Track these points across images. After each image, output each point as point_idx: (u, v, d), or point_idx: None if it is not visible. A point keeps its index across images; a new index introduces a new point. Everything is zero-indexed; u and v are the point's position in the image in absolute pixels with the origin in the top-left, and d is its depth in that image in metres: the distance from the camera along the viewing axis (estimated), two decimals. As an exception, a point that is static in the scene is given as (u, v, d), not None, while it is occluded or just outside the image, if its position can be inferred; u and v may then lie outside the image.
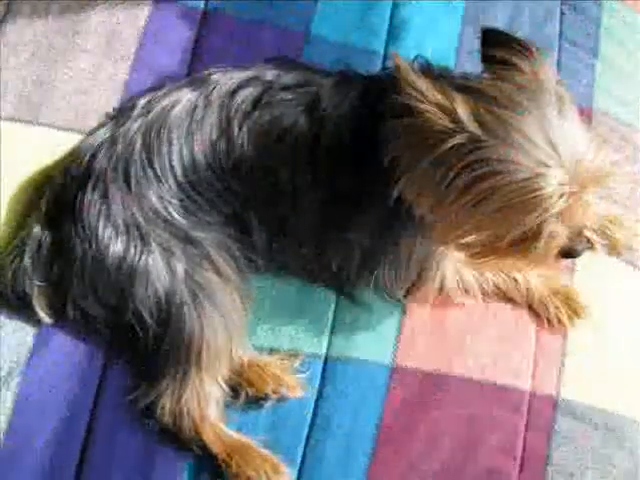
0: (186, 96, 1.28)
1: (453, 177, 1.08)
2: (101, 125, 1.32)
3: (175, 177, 1.26)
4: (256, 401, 1.30)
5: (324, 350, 1.35)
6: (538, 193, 1.04)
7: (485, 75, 1.16)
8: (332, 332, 1.37)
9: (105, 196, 1.24)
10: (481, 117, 1.06)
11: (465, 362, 1.37)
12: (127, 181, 1.25)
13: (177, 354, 1.24)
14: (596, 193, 1.14)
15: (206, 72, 1.31)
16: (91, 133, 1.32)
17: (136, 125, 1.27)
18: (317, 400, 1.32)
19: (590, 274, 1.46)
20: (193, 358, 1.24)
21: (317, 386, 1.33)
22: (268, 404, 1.30)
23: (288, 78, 1.28)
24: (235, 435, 1.26)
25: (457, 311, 1.40)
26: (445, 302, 1.39)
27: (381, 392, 1.33)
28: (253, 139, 1.25)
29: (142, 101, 1.29)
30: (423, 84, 1.06)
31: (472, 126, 1.06)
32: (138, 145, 1.26)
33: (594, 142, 1.08)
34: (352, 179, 1.24)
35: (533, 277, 1.39)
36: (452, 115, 1.06)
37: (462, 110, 1.06)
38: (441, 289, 1.36)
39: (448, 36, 1.63)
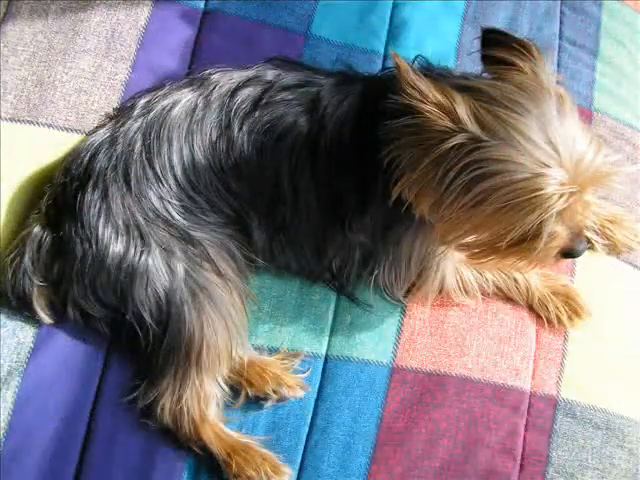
0: (186, 96, 1.28)
1: (453, 177, 1.08)
2: (101, 125, 1.32)
3: (175, 177, 1.26)
4: (256, 401, 1.30)
5: (324, 350, 1.35)
6: (538, 193, 1.04)
7: (485, 75, 1.16)
8: (332, 332, 1.37)
9: (105, 196, 1.24)
10: (481, 117, 1.06)
11: (465, 362, 1.37)
12: (127, 181, 1.25)
13: (177, 354, 1.24)
14: (596, 193, 1.14)
15: (206, 72, 1.31)
16: (91, 133, 1.32)
17: (136, 125, 1.27)
18: (317, 400, 1.32)
19: (590, 274, 1.46)
20: (193, 358, 1.24)
21: (317, 386, 1.33)
22: (268, 404, 1.30)
23: (288, 78, 1.28)
24: (235, 435, 1.27)
25: (457, 311, 1.40)
26: (445, 302, 1.39)
27: (381, 392, 1.33)
28: (253, 139, 1.25)
29: (142, 101, 1.29)
30: (423, 84, 1.06)
31: (472, 126, 1.06)
32: (138, 145, 1.26)
33: (594, 142, 1.08)
34: (352, 179, 1.24)
35: (533, 277, 1.39)
36: (452, 115, 1.05)
37: (462, 110, 1.05)
38: (441, 289, 1.36)
39: (448, 36, 1.63)
